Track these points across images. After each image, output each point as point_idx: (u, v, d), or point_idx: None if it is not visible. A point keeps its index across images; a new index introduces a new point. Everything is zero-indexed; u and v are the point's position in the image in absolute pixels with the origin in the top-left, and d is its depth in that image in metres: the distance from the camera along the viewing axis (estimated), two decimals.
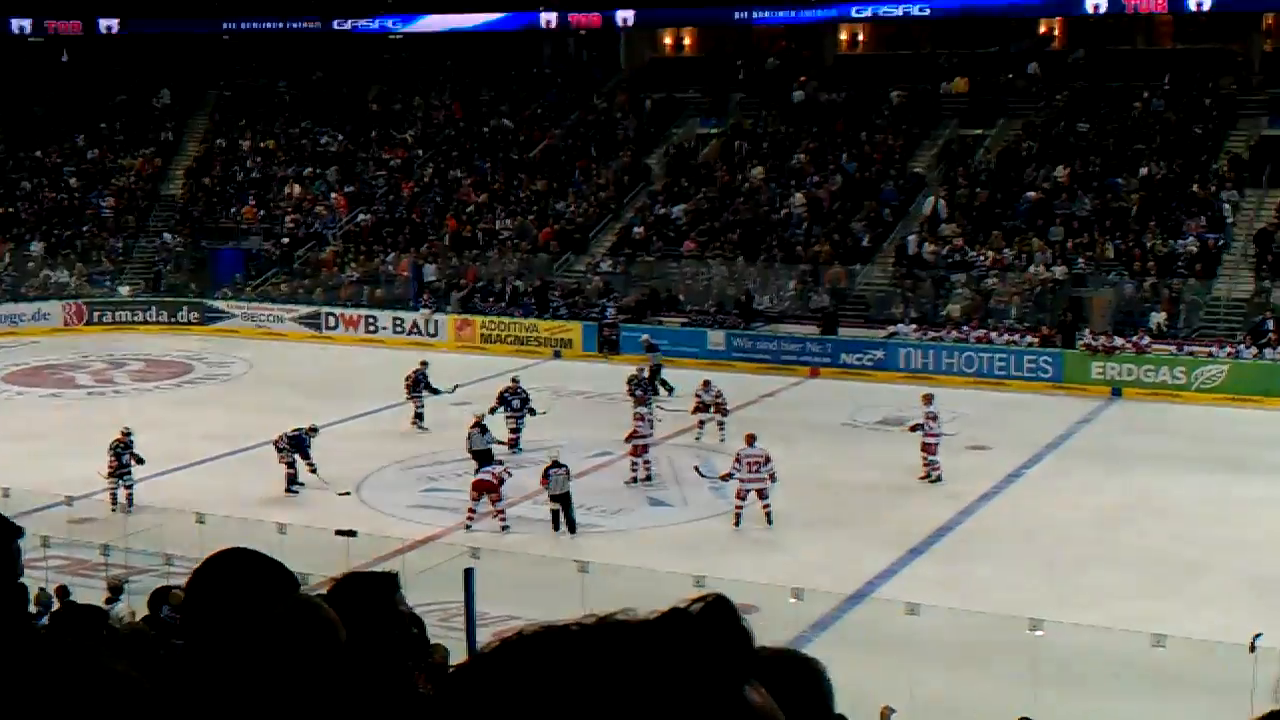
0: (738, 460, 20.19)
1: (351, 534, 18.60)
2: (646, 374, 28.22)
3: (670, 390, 27.78)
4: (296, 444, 22.80)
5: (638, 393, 25.72)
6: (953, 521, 21.02)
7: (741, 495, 20.16)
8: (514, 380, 25.22)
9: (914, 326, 33.50)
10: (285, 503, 21.98)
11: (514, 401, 24.73)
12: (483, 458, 22.01)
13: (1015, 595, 17.28)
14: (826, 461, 24.54)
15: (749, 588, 15.98)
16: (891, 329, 33.72)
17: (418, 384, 27.29)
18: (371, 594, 3.18)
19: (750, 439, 20.44)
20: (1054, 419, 27.78)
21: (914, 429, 23.28)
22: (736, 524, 19.95)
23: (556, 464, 20.83)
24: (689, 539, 20.22)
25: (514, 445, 24.27)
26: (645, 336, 33.86)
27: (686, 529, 20.77)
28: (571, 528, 20.53)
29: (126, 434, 21.81)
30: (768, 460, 20.10)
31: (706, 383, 26.04)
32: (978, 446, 25.39)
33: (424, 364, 27.61)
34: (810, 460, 24.14)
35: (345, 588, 3.16)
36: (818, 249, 37.12)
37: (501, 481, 20.64)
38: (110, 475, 21.70)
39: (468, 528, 20.51)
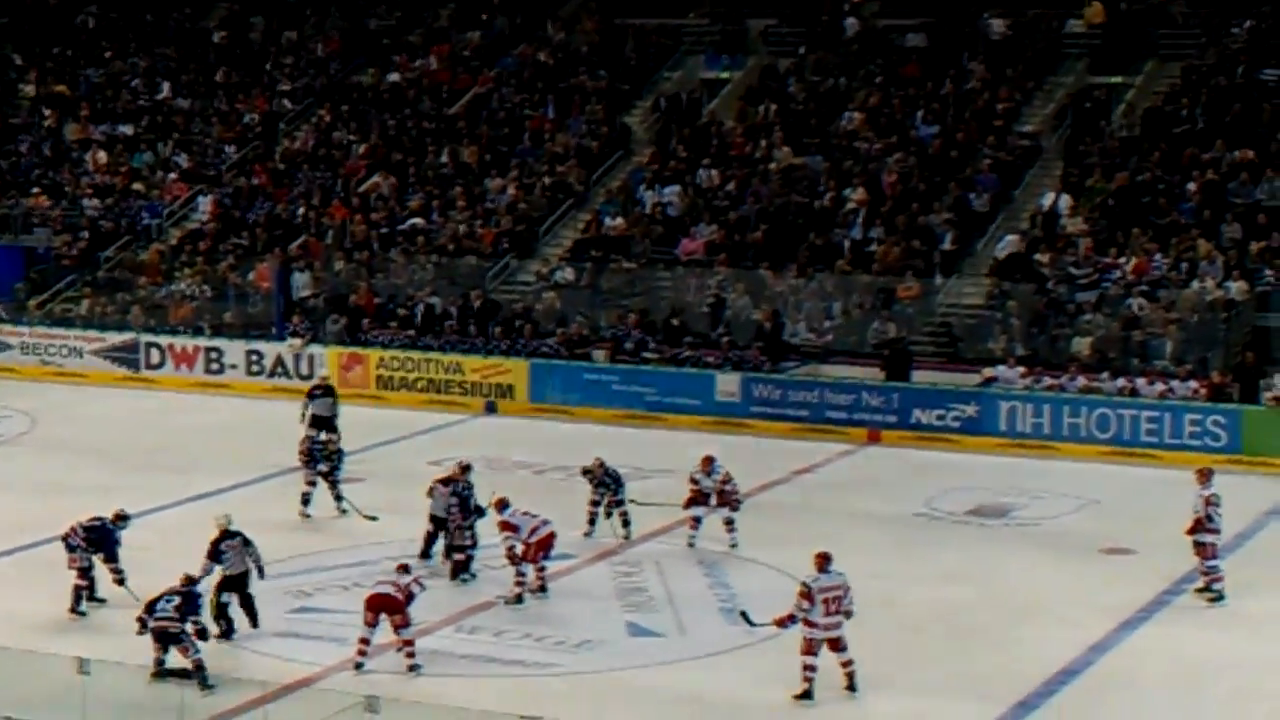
0: (807, 595, 19.53)
1: (187, 675, 18.63)
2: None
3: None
4: (99, 539, 22.70)
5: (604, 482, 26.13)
6: (1079, 663, 20.92)
7: (813, 649, 19.56)
8: (461, 466, 25.06)
9: (1022, 370, 33.65)
10: (86, 628, 21.93)
11: (453, 505, 24.57)
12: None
13: None
14: (891, 571, 24.48)
15: None
16: (989, 373, 33.89)
17: (313, 455, 27.51)
18: None
19: (823, 561, 19.79)
20: (1229, 508, 27.78)
21: (1194, 530, 23.29)
22: (809, 696, 19.54)
23: (229, 534, 21.76)
24: (688, 685, 20.10)
25: (460, 570, 24.22)
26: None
27: (685, 671, 20.67)
28: (253, 620, 21.70)
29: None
30: (847, 591, 19.77)
31: (709, 460, 25.89)
32: (1116, 550, 25.44)
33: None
34: (867, 569, 23.99)
35: None
36: (879, 254, 37.38)
37: (410, 598, 20.58)
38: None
39: (359, 666, 20.37)
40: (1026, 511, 28.20)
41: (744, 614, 20.94)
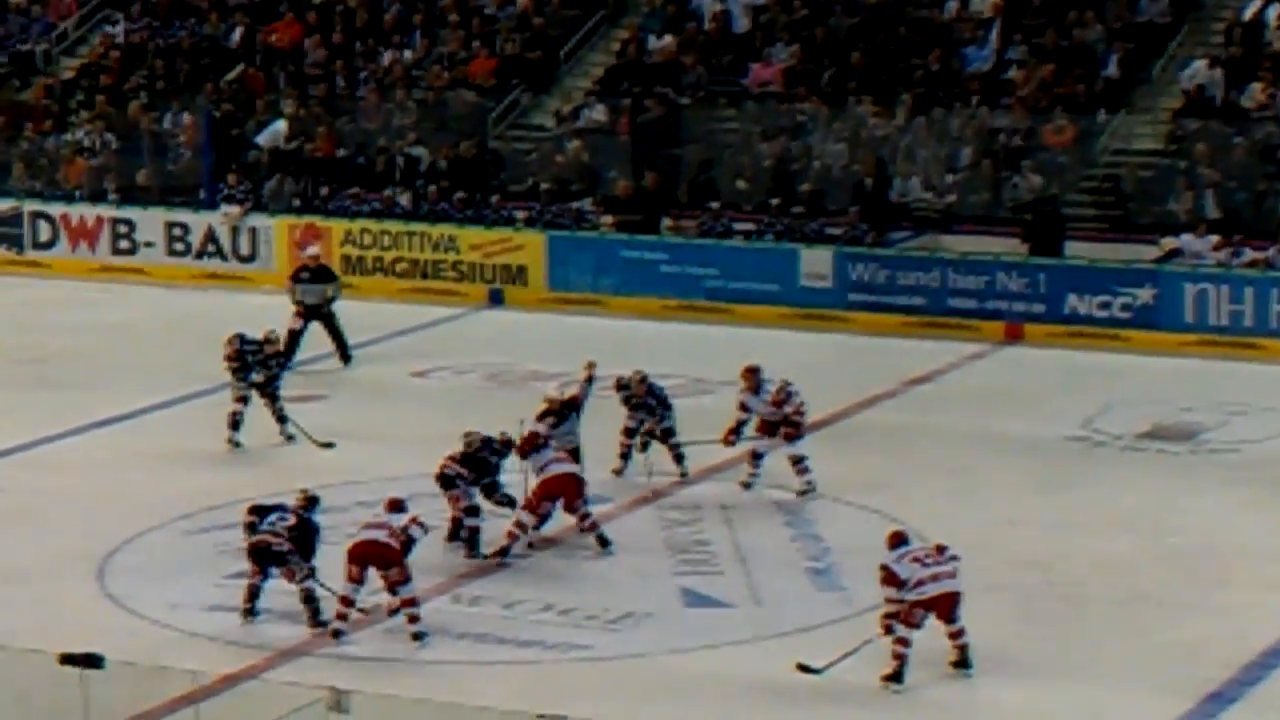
0: (890, 578, 19.58)
1: (93, 662, 18.82)
2: None
3: None
4: None
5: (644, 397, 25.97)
6: None
7: (910, 618, 19.44)
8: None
9: (1214, 239, 33.60)
10: None
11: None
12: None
13: None
14: (1036, 516, 24.53)
15: None
16: (1170, 243, 33.91)
17: (243, 361, 27.34)
18: None
19: (895, 541, 19.91)
20: None
21: None
22: (899, 679, 19.52)
23: None
24: (763, 671, 20.08)
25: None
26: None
27: (759, 653, 20.65)
28: None
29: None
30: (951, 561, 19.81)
31: (752, 372, 25.57)
32: None
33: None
34: (1004, 514, 24.24)
35: None
36: (1019, 83, 37.32)
37: (407, 546, 20.64)
38: None
39: (337, 635, 20.61)
40: (1221, 433, 28.18)
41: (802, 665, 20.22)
